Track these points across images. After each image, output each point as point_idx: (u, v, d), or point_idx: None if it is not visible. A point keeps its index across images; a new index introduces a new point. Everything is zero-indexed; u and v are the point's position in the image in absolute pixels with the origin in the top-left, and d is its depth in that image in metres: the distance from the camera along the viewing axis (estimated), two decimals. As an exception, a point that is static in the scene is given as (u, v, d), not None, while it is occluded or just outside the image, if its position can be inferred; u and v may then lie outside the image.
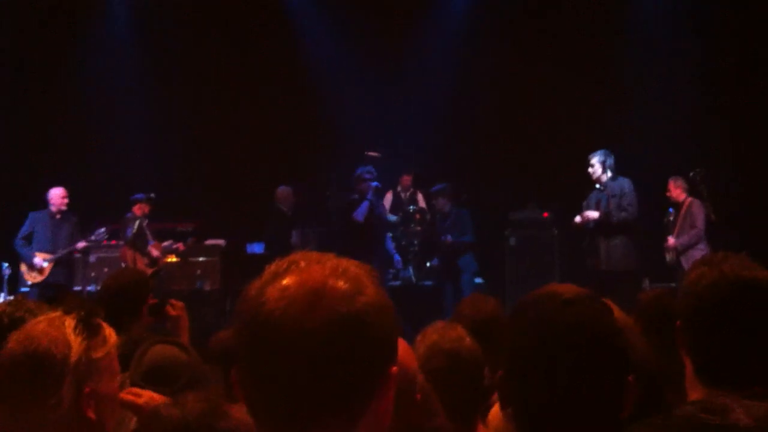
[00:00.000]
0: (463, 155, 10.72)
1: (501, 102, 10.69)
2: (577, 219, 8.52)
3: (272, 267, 1.13)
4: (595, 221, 8.37)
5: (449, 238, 9.32)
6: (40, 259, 8.92)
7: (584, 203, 8.56)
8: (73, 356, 1.81)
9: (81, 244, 9.13)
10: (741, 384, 1.63)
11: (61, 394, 1.77)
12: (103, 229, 9.15)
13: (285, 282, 1.10)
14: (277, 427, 1.10)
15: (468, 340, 2.42)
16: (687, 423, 1.36)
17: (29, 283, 8.96)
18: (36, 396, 1.76)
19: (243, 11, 11.02)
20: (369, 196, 8.93)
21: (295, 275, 1.10)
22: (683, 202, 8.65)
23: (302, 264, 1.12)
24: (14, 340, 1.82)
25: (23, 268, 8.99)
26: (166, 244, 9.42)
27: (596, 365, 1.44)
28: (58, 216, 8.99)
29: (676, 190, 8.70)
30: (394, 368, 1.13)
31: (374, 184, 8.99)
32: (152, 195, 9.17)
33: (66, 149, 10.60)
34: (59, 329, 1.84)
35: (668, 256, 8.60)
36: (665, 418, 1.41)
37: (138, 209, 9.14)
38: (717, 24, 10.03)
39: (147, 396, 2.06)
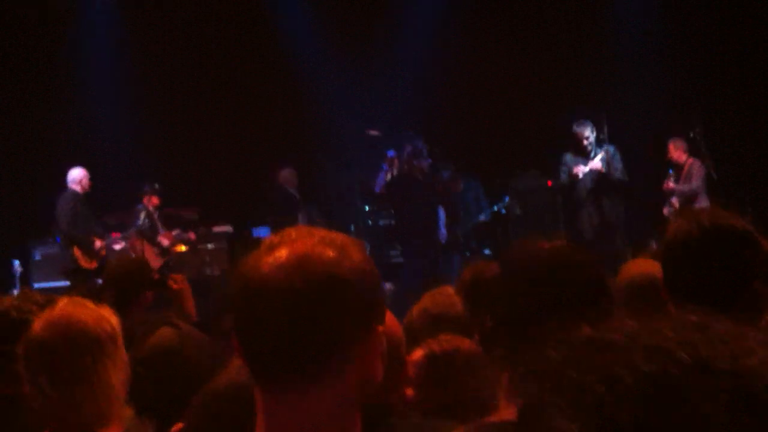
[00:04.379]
0: (452, 124, 10.71)
1: (489, 73, 10.66)
2: (578, 170, 8.53)
3: (267, 240, 1.25)
4: (595, 178, 8.41)
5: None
6: (99, 243, 8.60)
7: (563, 167, 8.63)
8: (116, 331, 1.88)
9: (115, 235, 8.95)
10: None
11: (104, 369, 1.84)
12: (147, 220, 8.93)
13: (278, 252, 1.21)
14: (270, 379, 1.20)
15: (458, 306, 2.48)
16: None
17: (83, 268, 8.50)
18: (82, 373, 1.83)
19: None
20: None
21: (287, 246, 1.21)
22: (684, 163, 8.68)
23: (294, 236, 1.24)
24: (44, 324, 1.87)
25: (78, 253, 8.54)
26: (176, 233, 9.49)
27: (573, 299, 1.51)
28: (87, 198, 8.73)
29: (677, 152, 8.73)
30: (380, 327, 1.23)
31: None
32: (156, 185, 9.23)
33: (65, 139, 10.57)
34: (91, 309, 1.90)
35: (666, 211, 8.63)
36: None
37: (147, 200, 9.23)
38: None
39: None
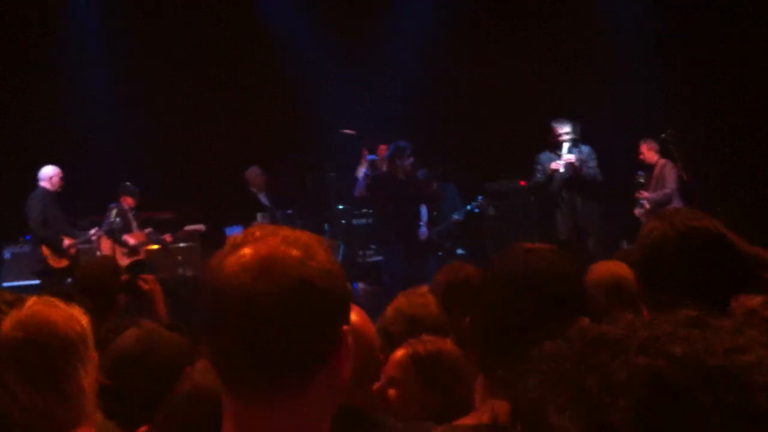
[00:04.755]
0: (433, 128, 10.75)
1: (469, 76, 10.74)
2: (554, 165, 8.57)
3: (231, 240, 1.22)
4: (569, 172, 8.42)
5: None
6: (68, 242, 8.51)
7: (538, 167, 8.66)
8: (86, 331, 1.84)
9: (94, 231, 8.82)
10: None
11: (75, 371, 1.80)
12: (119, 218, 8.87)
13: (241, 252, 1.18)
14: (237, 385, 1.18)
15: (432, 307, 2.47)
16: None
17: (53, 267, 8.46)
18: (52, 374, 1.80)
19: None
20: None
21: (251, 246, 1.19)
22: (656, 164, 8.76)
23: (258, 235, 1.21)
24: (13, 324, 1.83)
25: (46, 252, 8.49)
26: (148, 231, 9.41)
27: (554, 304, 1.52)
28: (58, 197, 8.61)
29: (649, 153, 8.81)
30: (345, 327, 1.20)
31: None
32: (128, 183, 9.16)
33: (39, 139, 10.48)
34: (62, 308, 1.86)
35: (638, 212, 8.69)
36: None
37: (123, 200, 9.16)
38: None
39: None
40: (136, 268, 9.01)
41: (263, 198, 9.73)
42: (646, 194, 8.63)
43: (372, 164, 9.20)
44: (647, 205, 8.54)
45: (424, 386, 2.21)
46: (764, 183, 9.40)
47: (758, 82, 9.68)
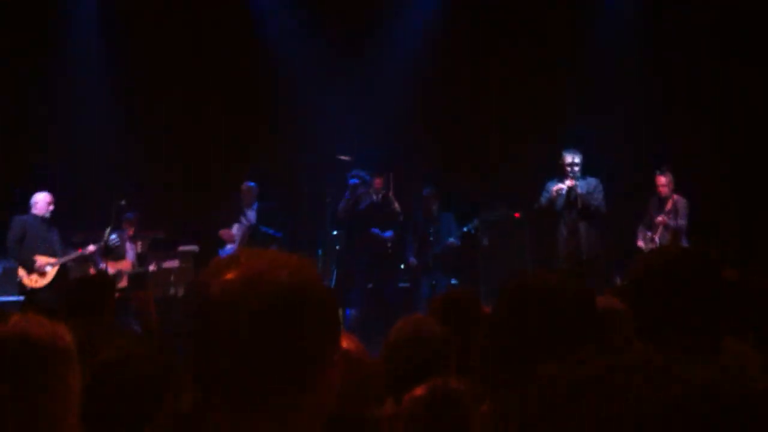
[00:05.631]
0: (431, 156, 10.77)
1: (467, 103, 10.78)
2: (555, 187, 8.57)
3: (216, 262, 1.22)
4: (572, 196, 8.43)
5: (413, 260, 9.43)
6: (43, 262, 8.64)
7: (544, 193, 8.69)
8: (70, 347, 1.83)
9: (91, 248, 8.87)
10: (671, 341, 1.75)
11: (59, 386, 1.79)
12: (115, 235, 8.98)
13: (227, 275, 1.18)
14: (227, 403, 1.17)
15: (433, 331, 2.48)
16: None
17: (29, 288, 8.62)
18: (36, 389, 1.78)
19: (207, 11, 10.95)
20: (347, 195, 9.33)
21: (237, 269, 1.19)
22: (668, 197, 8.61)
23: (242, 259, 1.21)
24: None
25: (21, 272, 8.67)
26: (130, 258, 9.38)
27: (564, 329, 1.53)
28: (44, 221, 8.78)
29: (671, 185, 8.60)
30: (334, 347, 1.21)
31: (351, 181, 9.29)
32: (123, 202, 9.16)
33: (30, 156, 10.49)
34: (46, 324, 1.85)
35: (642, 243, 8.63)
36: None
37: (127, 228, 9.38)
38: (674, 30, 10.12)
39: None
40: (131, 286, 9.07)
41: (250, 213, 9.66)
42: (663, 218, 8.47)
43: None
44: (656, 237, 8.49)
45: (443, 427, 2.19)
46: (760, 209, 9.40)
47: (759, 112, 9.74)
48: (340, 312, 8.85)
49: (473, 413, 2.19)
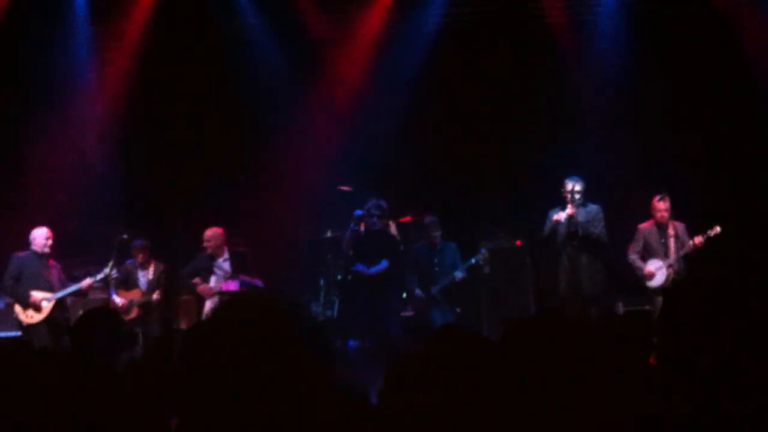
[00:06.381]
0: (428, 185, 10.78)
1: (462, 132, 10.79)
2: (555, 216, 8.59)
3: (208, 310, 1.50)
4: (572, 224, 8.47)
5: (419, 293, 9.35)
6: (39, 297, 8.75)
7: (547, 222, 8.70)
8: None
9: (87, 282, 8.97)
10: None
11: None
12: (115, 271, 9.10)
13: (213, 318, 1.51)
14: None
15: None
16: None
17: (25, 324, 8.72)
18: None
19: (198, 40, 10.85)
20: (351, 226, 9.16)
21: (221, 312, 1.50)
22: (667, 224, 8.60)
23: (225, 301, 1.52)
24: None
25: (17, 309, 8.80)
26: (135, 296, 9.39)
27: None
28: (43, 256, 8.90)
29: (670, 212, 8.61)
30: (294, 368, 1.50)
31: (356, 212, 9.17)
32: (125, 236, 9.22)
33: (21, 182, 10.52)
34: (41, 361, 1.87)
35: (654, 283, 8.54)
36: None
37: (137, 256, 9.45)
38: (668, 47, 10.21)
39: None
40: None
41: (222, 263, 9.02)
42: (700, 240, 8.38)
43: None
44: (670, 271, 8.46)
45: None
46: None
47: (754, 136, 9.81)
48: (340, 342, 8.77)
49: None
